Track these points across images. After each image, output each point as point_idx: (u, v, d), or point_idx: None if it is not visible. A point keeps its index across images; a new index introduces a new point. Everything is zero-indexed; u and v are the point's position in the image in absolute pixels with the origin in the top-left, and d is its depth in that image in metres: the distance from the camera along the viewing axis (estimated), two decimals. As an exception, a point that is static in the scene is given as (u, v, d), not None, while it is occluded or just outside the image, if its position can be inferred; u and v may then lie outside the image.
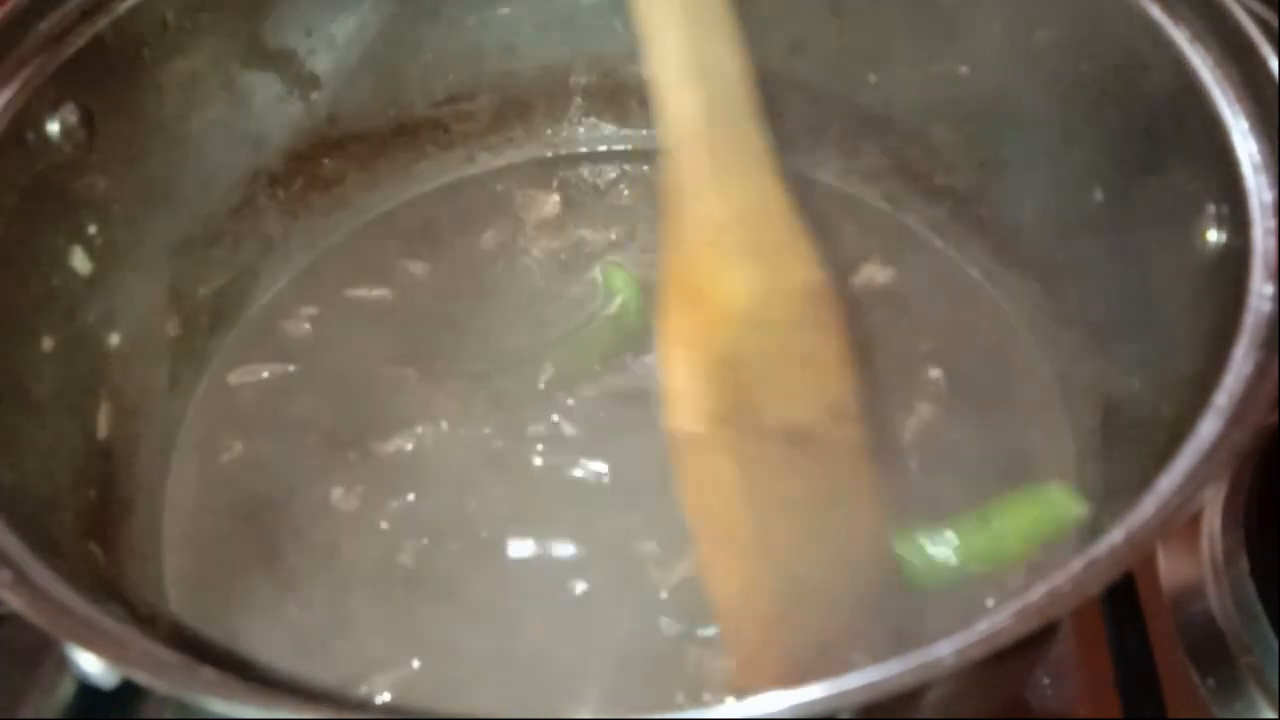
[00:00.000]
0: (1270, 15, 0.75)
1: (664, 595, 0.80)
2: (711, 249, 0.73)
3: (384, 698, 0.76)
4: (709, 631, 0.77)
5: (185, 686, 0.52)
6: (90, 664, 0.55)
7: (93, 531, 0.76)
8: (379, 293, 0.99)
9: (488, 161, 1.09)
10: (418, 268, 1.01)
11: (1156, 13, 0.76)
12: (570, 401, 0.90)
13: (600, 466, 0.86)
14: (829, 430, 0.75)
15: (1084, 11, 0.82)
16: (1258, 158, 0.68)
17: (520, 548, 0.83)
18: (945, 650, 0.51)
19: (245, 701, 0.51)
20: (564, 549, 0.82)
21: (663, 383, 0.73)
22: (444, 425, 0.90)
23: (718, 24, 0.73)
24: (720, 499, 0.73)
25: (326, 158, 1.01)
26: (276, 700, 0.52)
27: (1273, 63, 0.69)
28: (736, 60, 0.74)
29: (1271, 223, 0.65)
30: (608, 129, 1.10)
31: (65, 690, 0.81)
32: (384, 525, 0.85)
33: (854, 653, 0.70)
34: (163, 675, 0.52)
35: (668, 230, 0.74)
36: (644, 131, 1.08)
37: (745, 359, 0.73)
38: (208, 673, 0.53)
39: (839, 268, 0.96)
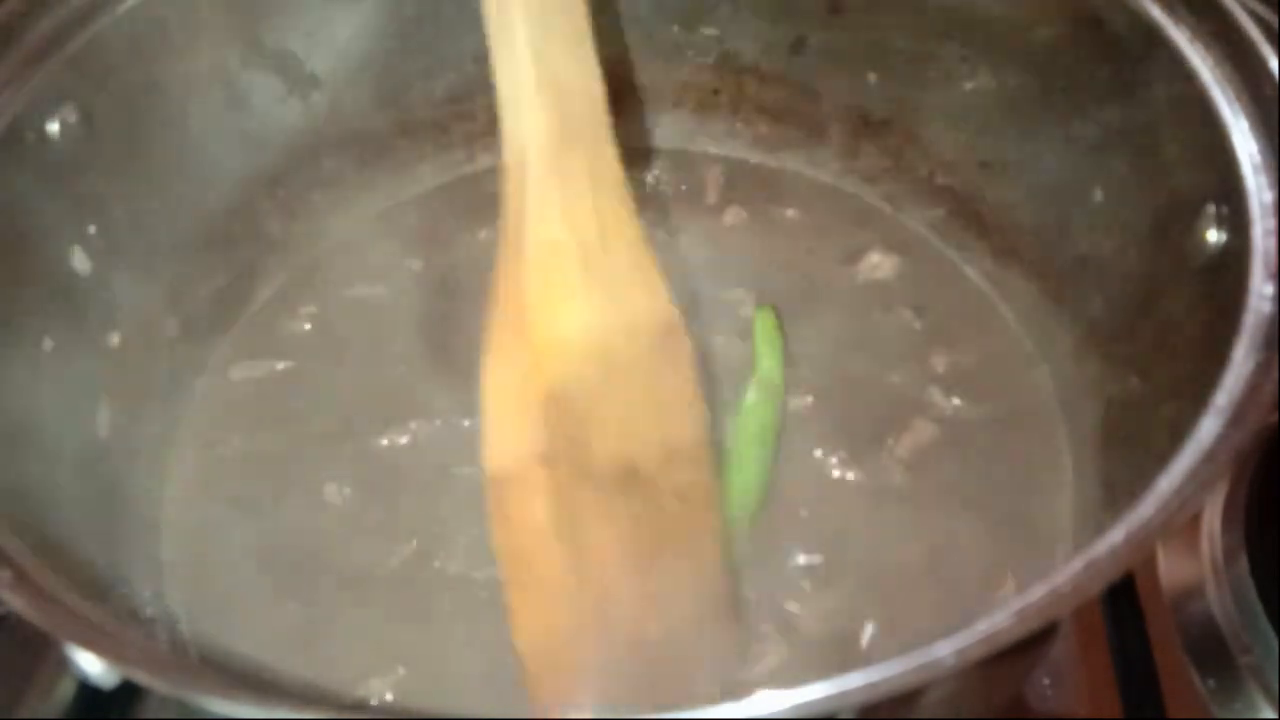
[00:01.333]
0: (1270, 15, 0.75)
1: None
2: (547, 276, 0.68)
3: (384, 696, 0.76)
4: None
5: (185, 686, 0.52)
6: (90, 664, 0.55)
7: (93, 531, 0.76)
8: (378, 292, 0.99)
9: (487, 161, 1.08)
10: (417, 267, 1.01)
11: (1156, 12, 0.76)
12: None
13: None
14: (667, 473, 0.70)
15: (1083, 11, 0.82)
16: (1258, 158, 0.68)
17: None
18: (945, 650, 0.51)
19: (244, 701, 0.51)
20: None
21: (482, 418, 0.69)
22: (438, 423, 0.90)
23: (573, 39, 0.70)
24: (530, 541, 0.69)
25: (326, 158, 1.01)
26: (275, 700, 0.51)
27: (1272, 63, 0.69)
28: (591, 78, 0.70)
29: (1271, 223, 0.65)
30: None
31: (65, 690, 0.82)
32: (383, 523, 0.85)
33: (671, 698, 0.66)
34: (162, 675, 0.52)
35: (501, 254, 0.70)
36: (643, 131, 1.08)
37: (577, 395, 0.68)
38: (207, 673, 0.53)
39: (838, 267, 0.99)
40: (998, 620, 0.52)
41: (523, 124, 0.69)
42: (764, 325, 0.93)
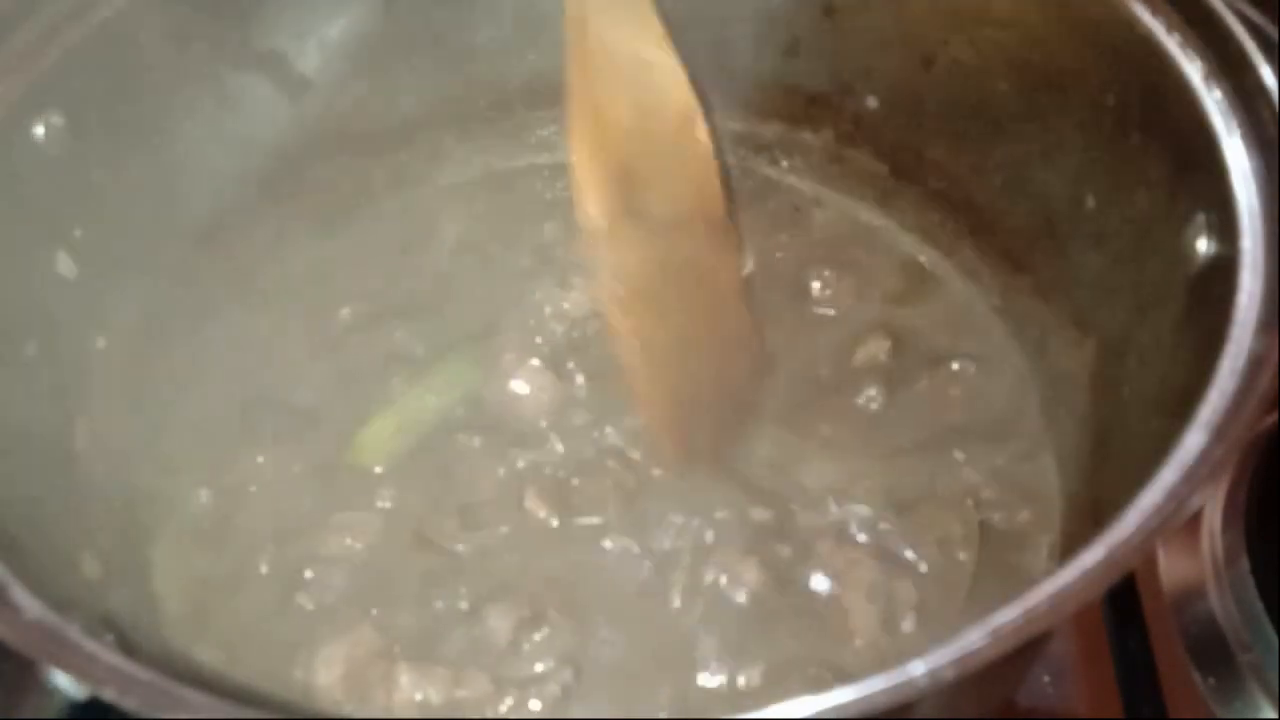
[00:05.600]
0: (1266, 23, 0.74)
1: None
2: (603, 72, 0.85)
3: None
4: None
5: (153, 703, 0.52)
6: (60, 678, 0.55)
7: (78, 540, 0.75)
8: (373, 294, 0.98)
9: (482, 164, 1.08)
10: (414, 267, 1.01)
11: (1149, 20, 0.75)
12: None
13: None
14: (702, 226, 0.90)
15: (1077, 19, 0.82)
16: (1248, 167, 0.68)
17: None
18: (944, 659, 0.51)
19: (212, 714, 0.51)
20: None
21: (572, 182, 0.86)
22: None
23: None
24: (630, 282, 0.87)
25: (317, 160, 1.00)
26: (248, 713, 0.51)
27: (1264, 71, 0.69)
28: None
29: (1261, 232, 0.65)
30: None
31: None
32: (383, 530, 0.85)
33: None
34: (130, 692, 0.52)
35: (569, 53, 0.86)
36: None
37: (633, 164, 0.86)
38: (178, 690, 0.53)
39: (830, 270, 0.98)
40: (1000, 621, 0.52)
41: None
42: None
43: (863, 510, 0.84)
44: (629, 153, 0.87)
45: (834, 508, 0.84)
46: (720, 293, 0.93)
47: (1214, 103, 0.71)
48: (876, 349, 0.94)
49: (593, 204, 0.86)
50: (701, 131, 0.90)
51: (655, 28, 0.88)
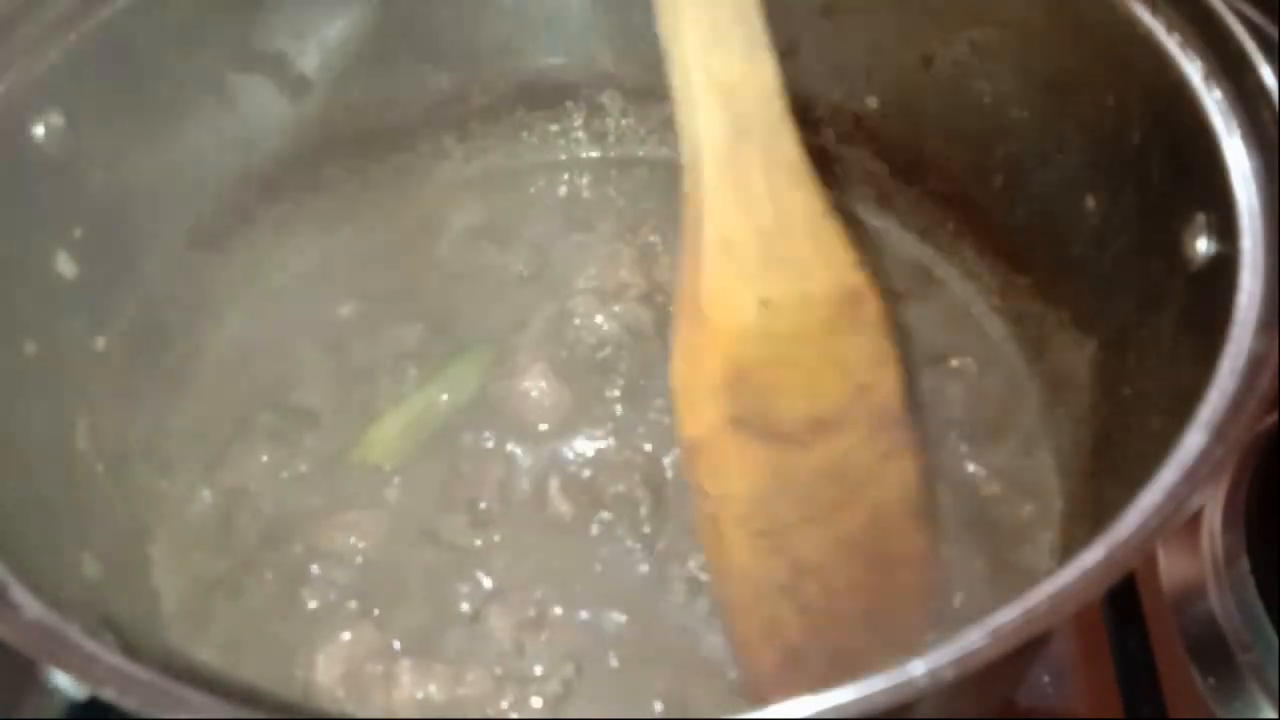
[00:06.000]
0: (1266, 23, 0.74)
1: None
2: (723, 267, 0.72)
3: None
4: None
5: (153, 705, 0.52)
6: (59, 678, 0.55)
7: (78, 540, 0.75)
8: (373, 294, 0.98)
9: (482, 164, 1.08)
10: (414, 267, 1.00)
11: (1149, 20, 0.75)
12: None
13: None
14: (857, 421, 0.75)
15: (1077, 20, 0.81)
16: (1248, 167, 0.68)
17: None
18: (944, 659, 0.51)
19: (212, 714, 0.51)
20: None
21: (674, 398, 0.75)
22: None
23: (743, 36, 0.71)
24: (737, 490, 0.74)
25: (317, 160, 1.00)
26: (248, 713, 0.51)
27: (1264, 72, 0.69)
28: (763, 72, 0.72)
29: (1261, 232, 0.65)
30: (602, 134, 1.10)
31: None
32: (388, 528, 0.85)
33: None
34: (130, 692, 0.52)
35: (684, 247, 0.74)
36: (636, 136, 1.09)
37: (757, 367, 0.73)
38: (178, 690, 0.53)
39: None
40: (1000, 622, 0.52)
41: (695, 124, 0.72)
42: None
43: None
44: (749, 354, 0.73)
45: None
46: (882, 508, 0.76)
47: (1214, 103, 0.70)
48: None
49: (697, 417, 0.74)
50: (869, 310, 0.76)
51: (798, 194, 0.73)
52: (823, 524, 0.74)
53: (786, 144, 0.73)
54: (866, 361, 0.75)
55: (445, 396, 0.90)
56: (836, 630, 0.74)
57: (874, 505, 0.75)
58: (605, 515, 0.84)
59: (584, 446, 0.88)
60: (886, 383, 0.76)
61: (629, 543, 0.83)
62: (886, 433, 0.76)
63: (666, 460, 0.87)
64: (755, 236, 0.72)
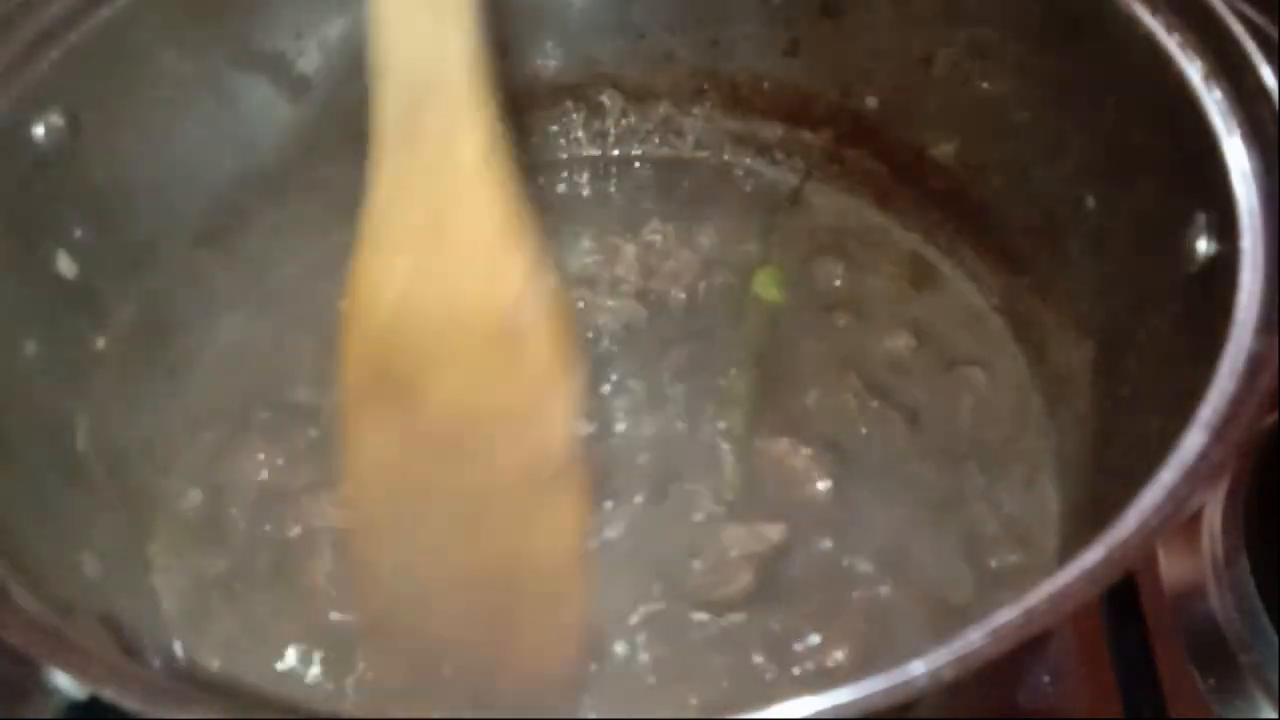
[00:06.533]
0: (1265, 22, 0.74)
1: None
2: (377, 240, 0.69)
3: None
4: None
5: (153, 705, 0.52)
6: (59, 678, 0.55)
7: (78, 540, 0.75)
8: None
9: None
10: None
11: (1149, 20, 0.75)
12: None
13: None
14: (509, 447, 0.70)
15: (1077, 20, 0.82)
16: (1248, 167, 0.68)
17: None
18: (944, 659, 0.51)
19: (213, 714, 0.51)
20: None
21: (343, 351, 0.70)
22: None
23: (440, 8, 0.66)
24: (375, 470, 0.71)
25: (317, 160, 0.99)
26: (247, 713, 0.51)
27: (1264, 71, 0.69)
28: (455, 46, 0.66)
29: (1261, 232, 0.65)
30: (601, 134, 1.10)
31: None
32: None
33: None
34: (130, 692, 0.52)
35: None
36: (636, 135, 1.09)
37: (404, 353, 0.69)
38: (178, 690, 0.53)
39: (830, 271, 0.99)
40: (999, 623, 0.52)
41: (376, 95, 0.67)
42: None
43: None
44: (393, 330, 0.69)
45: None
46: (528, 540, 0.72)
47: (1214, 103, 0.70)
48: (873, 346, 0.94)
49: (354, 374, 0.70)
50: (537, 326, 0.69)
51: (482, 172, 0.68)
52: (452, 548, 0.71)
53: (473, 134, 0.66)
54: (531, 390, 0.69)
55: None
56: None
57: (510, 549, 0.71)
58: (607, 505, 0.84)
59: (591, 445, 0.88)
60: (554, 421, 0.70)
61: (633, 540, 0.83)
62: (542, 475, 0.70)
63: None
64: (421, 224, 0.68)
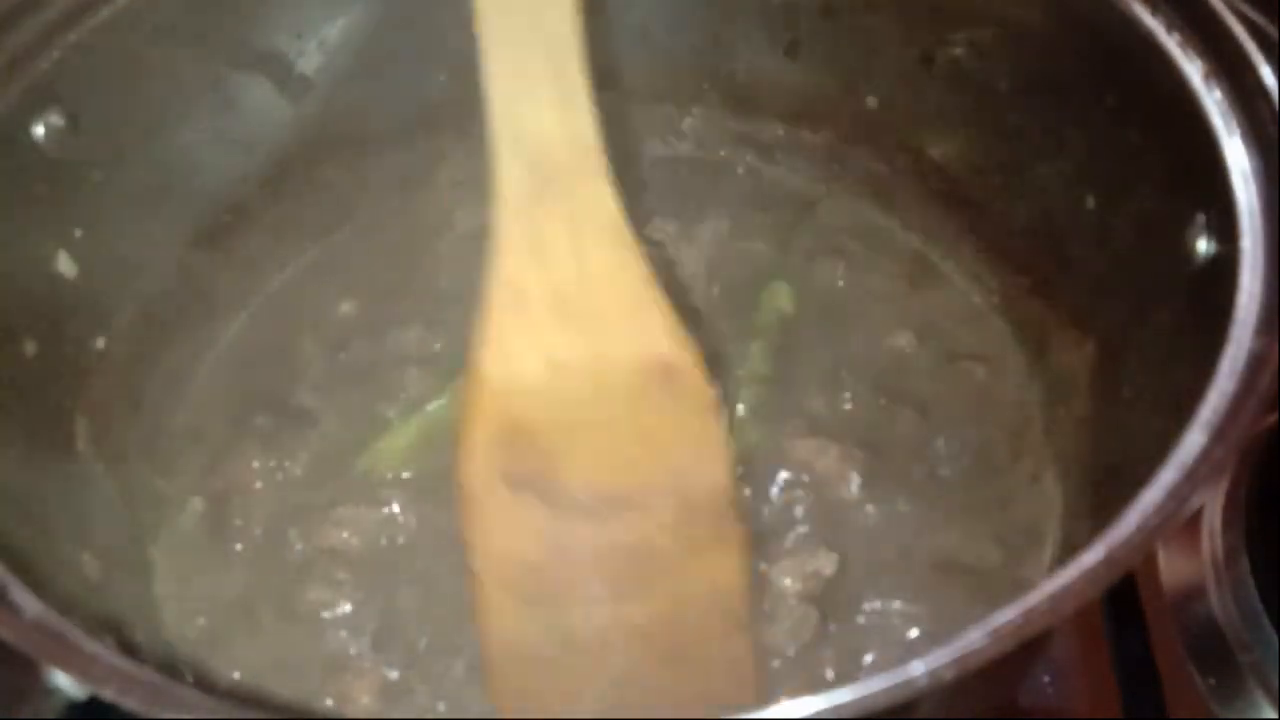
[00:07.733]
0: (1266, 23, 0.74)
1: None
2: (507, 316, 0.67)
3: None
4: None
5: (153, 705, 0.52)
6: (59, 678, 0.55)
7: (78, 540, 0.75)
8: (373, 295, 0.98)
9: (481, 164, 1.07)
10: (414, 268, 1.00)
11: (1149, 21, 0.75)
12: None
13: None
14: (667, 507, 0.69)
15: (1076, 20, 0.82)
16: (1248, 167, 0.68)
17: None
18: (944, 659, 0.51)
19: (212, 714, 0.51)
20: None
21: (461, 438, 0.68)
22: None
23: (561, 86, 0.67)
24: (507, 552, 0.69)
25: (317, 160, 1.00)
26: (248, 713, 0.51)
27: (1264, 71, 0.69)
28: (579, 127, 0.67)
29: (1261, 232, 0.65)
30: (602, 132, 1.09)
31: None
32: (390, 526, 0.85)
33: None
34: (130, 692, 0.52)
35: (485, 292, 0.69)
36: (636, 135, 1.09)
37: (546, 430, 0.67)
38: (178, 690, 0.53)
39: (829, 271, 0.99)
40: (1000, 623, 0.52)
41: (497, 174, 0.69)
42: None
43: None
44: (530, 410, 0.67)
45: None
46: (686, 604, 0.70)
47: (1214, 103, 0.70)
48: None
49: (476, 465, 0.68)
50: (691, 388, 0.68)
51: (610, 254, 0.67)
52: (608, 606, 0.70)
53: (599, 202, 0.67)
54: (682, 442, 0.69)
55: (452, 403, 0.88)
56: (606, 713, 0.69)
57: (676, 598, 0.70)
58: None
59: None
60: (709, 470, 0.69)
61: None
62: (703, 524, 0.69)
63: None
64: (551, 294, 0.67)
